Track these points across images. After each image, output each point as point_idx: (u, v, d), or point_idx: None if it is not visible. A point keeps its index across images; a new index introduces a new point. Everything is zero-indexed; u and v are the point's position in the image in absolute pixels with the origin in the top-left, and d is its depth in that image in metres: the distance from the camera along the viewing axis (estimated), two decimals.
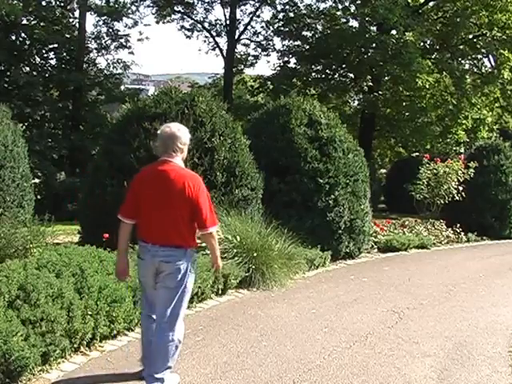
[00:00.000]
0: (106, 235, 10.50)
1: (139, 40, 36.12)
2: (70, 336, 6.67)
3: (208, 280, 9.52)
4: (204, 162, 12.00)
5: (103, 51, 32.73)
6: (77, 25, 31.85)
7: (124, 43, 33.00)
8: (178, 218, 6.08)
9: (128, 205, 6.27)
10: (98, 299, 7.17)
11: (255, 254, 10.88)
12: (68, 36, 31.22)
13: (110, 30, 32.75)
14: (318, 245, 13.22)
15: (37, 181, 22.98)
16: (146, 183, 6.23)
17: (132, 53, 33.97)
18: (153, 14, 38.19)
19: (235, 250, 10.78)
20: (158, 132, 6.41)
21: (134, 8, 34.17)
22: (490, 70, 35.05)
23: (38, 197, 19.29)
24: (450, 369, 7.19)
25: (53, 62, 31.35)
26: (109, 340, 7.43)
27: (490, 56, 35.52)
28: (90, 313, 6.96)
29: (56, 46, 30.50)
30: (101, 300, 7.19)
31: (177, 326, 6.09)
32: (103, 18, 32.11)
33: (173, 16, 38.62)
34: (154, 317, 6.24)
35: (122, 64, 32.87)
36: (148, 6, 36.86)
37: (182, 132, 6.28)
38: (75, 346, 6.83)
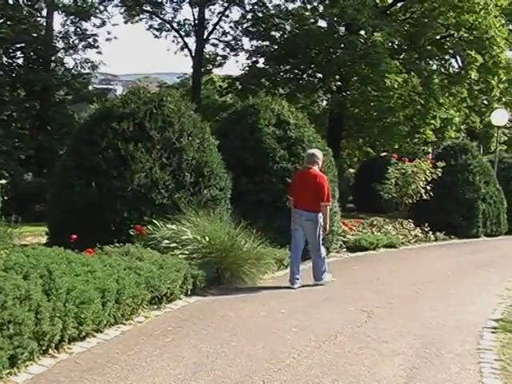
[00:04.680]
0: (74, 236, 10.44)
1: (107, 40, 35.94)
2: (38, 338, 6.59)
3: (177, 280, 9.48)
4: (172, 162, 11.99)
5: (71, 51, 32.43)
6: (44, 24, 31.61)
7: (92, 43, 32.74)
8: (313, 195, 11.33)
9: (292, 189, 11.92)
10: (66, 301, 7.09)
11: (224, 255, 10.86)
12: (35, 35, 30.91)
13: (78, 30, 32.48)
14: (286, 245, 13.19)
15: (3, 181, 22.72)
16: (299, 178, 11.82)
17: (100, 52, 33.66)
18: (121, 13, 38.03)
19: (204, 251, 10.77)
20: (306, 154, 12.21)
21: (101, 8, 33.88)
22: (457, 71, 35.36)
23: (5, 197, 19.10)
24: (420, 367, 7.23)
25: (20, 61, 31.04)
26: (77, 342, 7.35)
27: (458, 56, 35.81)
28: (58, 315, 6.88)
29: (23, 45, 30.18)
30: (69, 302, 7.12)
31: (321, 248, 11.71)
32: (71, 17, 31.84)
33: (141, 16, 38.48)
34: (297, 255, 11.63)
35: (89, 64, 32.65)
36: (116, 6, 36.64)
37: (317, 152, 11.91)
38: (43, 348, 6.74)
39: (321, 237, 11.64)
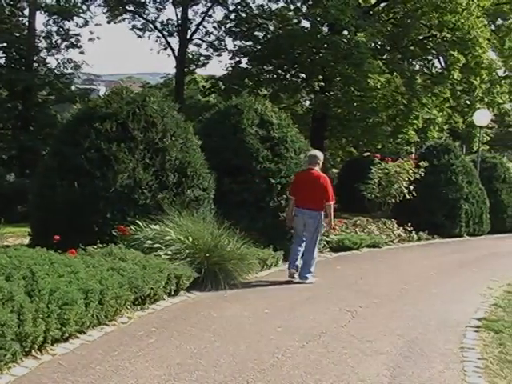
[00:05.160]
0: (57, 237, 10.38)
1: (90, 40, 35.89)
2: (20, 340, 6.55)
3: (160, 281, 9.46)
4: (155, 162, 11.94)
5: (53, 50, 32.33)
6: (26, 23, 31.46)
7: (75, 43, 32.68)
8: (316, 195, 11.92)
9: (292, 190, 12.40)
10: (49, 302, 7.06)
11: (208, 255, 10.84)
12: (17, 35, 30.79)
13: (61, 30, 32.38)
14: (270, 245, 13.23)
15: None
16: (301, 178, 12.31)
17: (83, 52, 33.58)
18: (104, 13, 37.88)
19: (187, 251, 10.74)
20: (307, 155, 12.73)
21: (84, 7, 33.79)
22: (440, 71, 35.47)
23: None
24: (403, 366, 7.25)
25: (2, 61, 30.92)
26: (60, 343, 7.31)
27: (440, 57, 35.92)
28: (40, 316, 6.85)
29: (5, 44, 30.08)
30: (52, 303, 7.08)
31: (315, 249, 12.21)
32: (53, 16, 31.74)
33: (124, 15, 38.38)
34: (299, 247, 12.12)
35: (72, 64, 32.56)
36: (99, 6, 36.55)
37: (319, 154, 12.46)
38: (26, 349, 6.70)
39: (318, 237, 12.40)
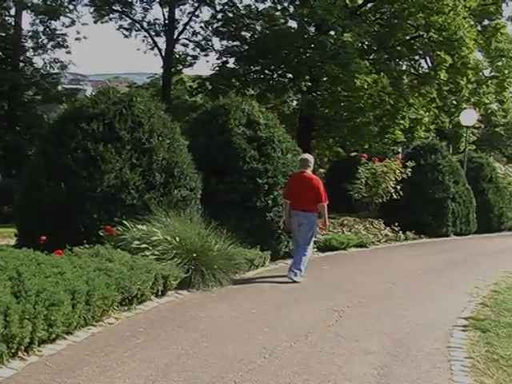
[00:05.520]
0: (44, 237, 10.33)
1: (77, 39, 35.82)
2: (6, 341, 6.51)
3: (147, 281, 9.43)
4: (142, 162, 11.90)
5: (40, 50, 32.32)
6: (13, 23, 31.36)
7: (61, 42, 32.63)
8: (309, 197, 12.20)
9: (287, 193, 12.80)
10: (35, 303, 7.02)
11: (195, 255, 10.82)
12: (3, 34, 30.74)
13: (47, 29, 32.30)
14: (257, 245, 13.23)
15: None
16: (295, 181, 12.68)
17: (69, 52, 33.54)
18: (90, 13, 37.75)
19: (174, 251, 10.71)
20: (299, 159, 13.20)
21: (71, 7, 33.71)
22: (426, 71, 35.54)
23: None
24: (390, 365, 7.26)
25: None
26: (47, 344, 7.27)
27: (427, 57, 36.01)
28: (27, 317, 6.81)
29: None
30: (38, 304, 7.04)
31: (308, 248, 12.45)
32: (40, 16, 31.66)
33: (111, 15, 38.22)
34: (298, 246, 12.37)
35: (59, 63, 32.50)
36: (86, 5, 36.41)
37: (309, 157, 12.96)
38: (13, 351, 6.66)
39: (312, 237, 12.71)
